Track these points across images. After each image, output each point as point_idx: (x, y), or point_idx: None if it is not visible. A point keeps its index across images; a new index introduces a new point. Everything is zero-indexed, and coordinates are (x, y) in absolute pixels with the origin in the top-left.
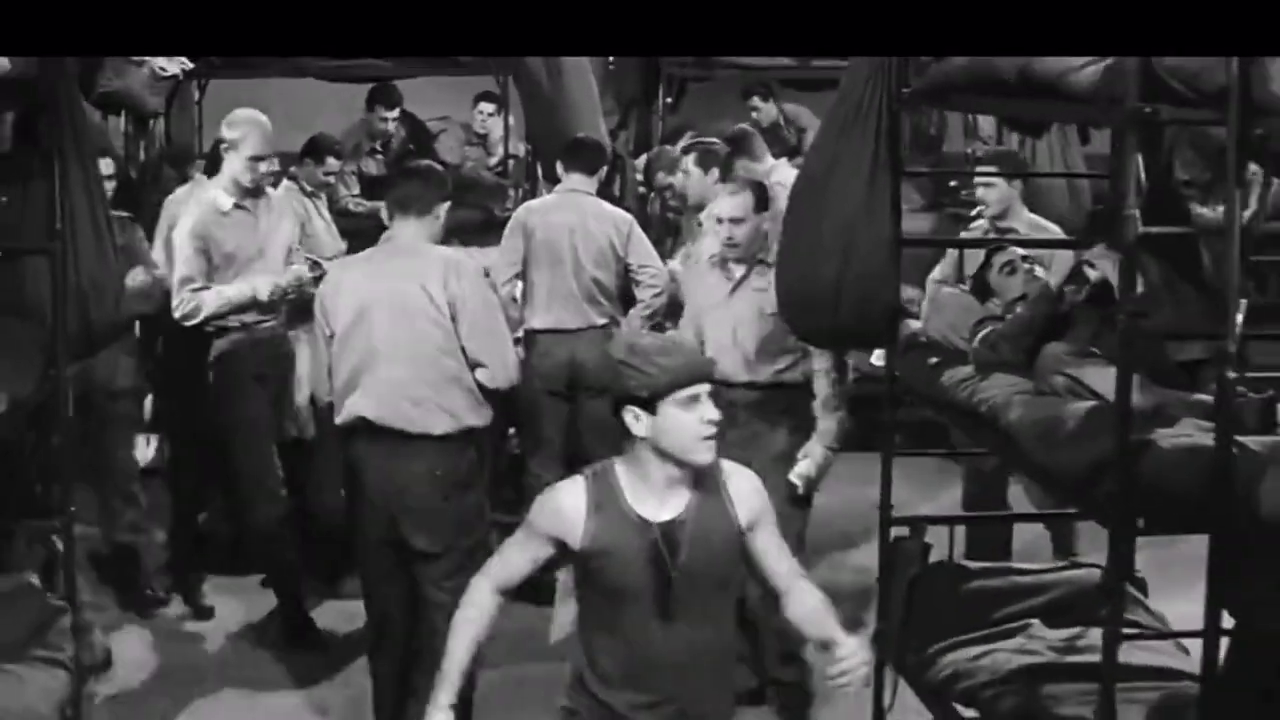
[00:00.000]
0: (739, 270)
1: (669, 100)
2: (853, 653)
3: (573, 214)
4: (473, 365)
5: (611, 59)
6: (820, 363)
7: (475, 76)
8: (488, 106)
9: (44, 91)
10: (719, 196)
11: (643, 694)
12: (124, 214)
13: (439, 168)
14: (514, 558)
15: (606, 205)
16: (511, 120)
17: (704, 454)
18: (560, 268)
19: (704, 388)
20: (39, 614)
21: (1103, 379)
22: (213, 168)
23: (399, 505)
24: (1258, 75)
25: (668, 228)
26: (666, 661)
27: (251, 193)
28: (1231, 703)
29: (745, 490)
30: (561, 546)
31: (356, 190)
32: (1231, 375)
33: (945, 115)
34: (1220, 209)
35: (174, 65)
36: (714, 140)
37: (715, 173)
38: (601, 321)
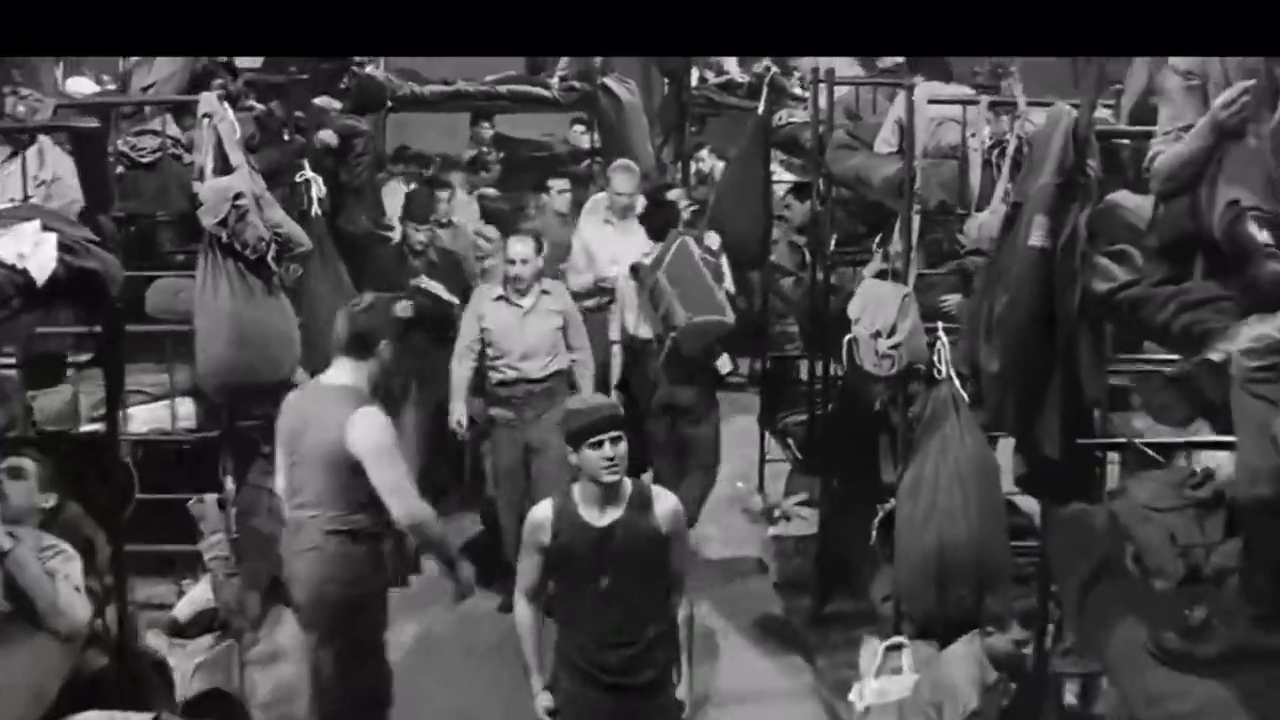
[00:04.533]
0: (528, 300)
1: (693, 129)
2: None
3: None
4: None
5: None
6: (579, 355)
7: (571, 112)
8: (579, 127)
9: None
10: (509, 243)
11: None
12: None
13: None
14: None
15: None
16: (595, 136)
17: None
18: None
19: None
20: None
21: None
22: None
23: None
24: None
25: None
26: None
27: (619, 214)
28: None
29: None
30: None
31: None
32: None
33: None
34: None
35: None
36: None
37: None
38: None
